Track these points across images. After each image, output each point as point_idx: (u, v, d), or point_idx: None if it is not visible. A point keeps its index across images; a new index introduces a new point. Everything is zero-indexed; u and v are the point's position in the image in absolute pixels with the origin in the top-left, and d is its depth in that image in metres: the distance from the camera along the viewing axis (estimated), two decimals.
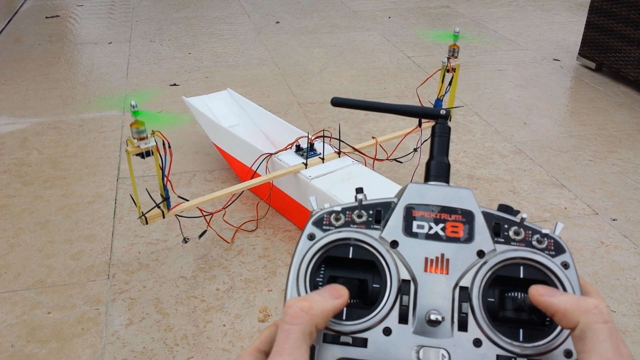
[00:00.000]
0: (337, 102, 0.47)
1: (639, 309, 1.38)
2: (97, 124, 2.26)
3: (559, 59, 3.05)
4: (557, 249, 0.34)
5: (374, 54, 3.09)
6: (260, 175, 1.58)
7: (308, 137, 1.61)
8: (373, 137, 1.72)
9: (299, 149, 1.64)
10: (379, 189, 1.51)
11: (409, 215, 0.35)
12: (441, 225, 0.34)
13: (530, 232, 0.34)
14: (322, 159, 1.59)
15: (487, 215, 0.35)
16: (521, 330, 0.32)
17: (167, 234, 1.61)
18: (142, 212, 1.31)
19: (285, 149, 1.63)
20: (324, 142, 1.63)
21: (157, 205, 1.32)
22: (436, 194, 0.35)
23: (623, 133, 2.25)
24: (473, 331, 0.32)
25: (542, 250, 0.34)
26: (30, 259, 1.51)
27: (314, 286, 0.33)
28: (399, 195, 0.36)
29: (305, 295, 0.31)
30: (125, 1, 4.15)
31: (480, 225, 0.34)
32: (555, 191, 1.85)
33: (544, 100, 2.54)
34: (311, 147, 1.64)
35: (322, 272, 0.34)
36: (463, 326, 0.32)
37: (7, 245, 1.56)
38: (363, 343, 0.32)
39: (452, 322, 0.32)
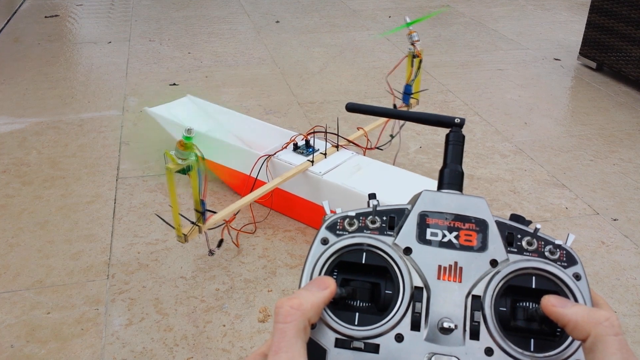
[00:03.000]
0: (352, 108, 0.47)
1: (639, 309, 1.38)
2: (96, 124, 2.25)
3: (560, 58, 3.04)
4: (569, 260, 0.34)
5: (374, 54, 3.08)
6: (261, 180, 1.57)
7: (314, 134, 1.63)
8: (359, 128, 1.75)
9: (296, 147, 1.65)
10: (389, 177, 1.57)
11: (423, 222, 0.35)
12: (455, 233, 0.34)
13: (542, 242, 0.34)
14: (325, 154, 1.60)
15: (500, 225, 0.35)
16: (532, 340, 0.32)
17: (166, 234, 1.61)
18: (183, 233, 1.27)
19: (282, 149, 1.63)
20: (326, 138, 1.65)
21: (195, 224, 1.29)
22: (450, 202, 0.35)
23: (624, 133, 2.25)
24: (485, 340, 0.32)
25: (554, 261, 0.34)
26: (30, 259, 1.51)
27: None
28: (413, 202, 0.36)
29: (294, 293, 0.31)
30: (124, 1, 4.14)
31: (494, 235, 0.34)
32: (555, 191, 1.85)
33: (544, 100, 2.54)
34: (307, 144, 1.65)
35: (334, 276, 0.34)
36: (475, 335, 0.32)
37: (6, 245, 1.56)
38: (375, 349, 0.32)
39: (464, 330, 0.32)
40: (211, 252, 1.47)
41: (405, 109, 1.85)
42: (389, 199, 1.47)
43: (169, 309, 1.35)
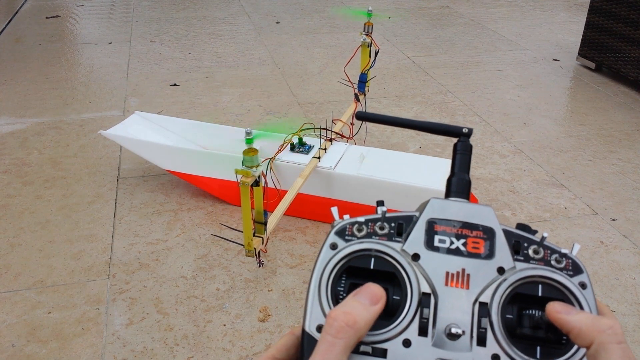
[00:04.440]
0: (362, 117, 0.48)
1: (639, 308, 1.38)
2: (97, 124, 2.26)
3: (559, 59, 3.05)
4: (575, 269, 0.34)
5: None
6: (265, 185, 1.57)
7: (321, 133, 1.66)
8: (335, 121, 1.80)
9: (293, 147, 1.66)
10: (395, 160, 1.62)
11: (431, 229, 0.35)
12: (462, 240, 0.35)
13: (549, 251, 0.35)
14: (325, 149, 1.62)
15: (507, 233, 0.35)
16: (538, 348, 0.33)
17: (167, 233, 1.62)
18: (254, 247, 1.26)
19: (280, 151, 1.64)
20: (323, 135, 1.68)
21: (259, 236, 1.28)
22: (458, 210, 0.36)
23: (623, 133, 2.25)
24: (491, 347, 0.32)
25: (560, 269, 0.34)
26: (31, 258, 1.52)
27: (335, 295, 0.34)
28: (421, 209, 0.36)
29: (348, 306, 0.31)
30: (125, 1, 4.15)
31: (501, 243, 0.34)
32: (554, 191, 1.85)
33: (543, 100, 2.54)
34: (301, 142, 1.67)
35: (343, 281, 0.34)
36: (482, 341, 0.32)
37: (7, 245, 1.57)
38: (383, 354, 0.32)
39: (471, 336, 0.32)
40: (261, 264, 1.46)
41: (361, 96, 1.91)
42: (407, 179, 1.53)
43: (169, 309, 1.35)
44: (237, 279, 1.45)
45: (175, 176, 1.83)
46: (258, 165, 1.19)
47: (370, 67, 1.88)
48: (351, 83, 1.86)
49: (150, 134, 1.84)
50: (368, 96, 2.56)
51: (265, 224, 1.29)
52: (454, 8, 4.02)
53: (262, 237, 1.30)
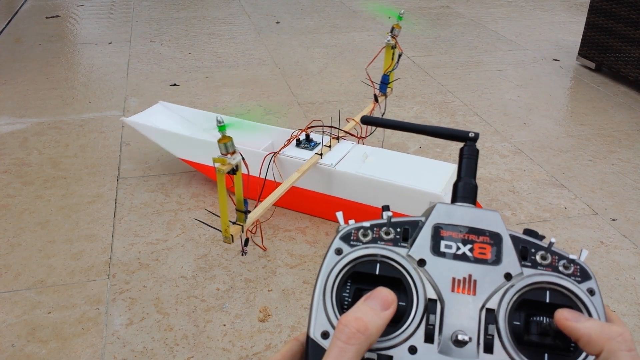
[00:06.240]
0: (367, 121, 0.47)
1: (639, 308, 1.38)
2: (97, 124, 2.26)
3: (559, 59, 3.05)
4: (583, 275, 0.34)
5: (374, 54, 3.08)
6: (267, 179, 1.57)
7: (327, 131, 1.67)
8: (348, 120, 1.80)
9: (299, 143, 1.67)
10: (397, 162, 1.62)
11: (437, 234, 0.35)
12: (469, 246, 0.34)
13: (557, 257, 0.34)
14: (329, 146, 1.63)
15: (514, 239, 0.35)
16: (546, 355, 0.32)
17: (167, 233, 1.62)
18: (231, 234, 1.26)
19: (285, 145, 1.65)
20: (329, 130, 1.69)
21: (238, 224, 1.29)
22: (464, 215, 0.35)
23: (623, 133, 2.25)
24: (499, 354, 0.32)
25: (568, 275, 0.34)
26: (31, 258, 1.52)
27: (340, 301, 0.33)
28: (427, 214, 0.36)
29: (359, 311, 0.31)
30: (125, 1, 4.15)
31: (508, 248, 0.34)
32: (555, 191, 1.85)
33: (543, 100, 2.54)
34: (307, 138, 1.67)
35: (348, 287, 0.34)
36: (489, 348, 0.32)
37: (7, 245, 1.57)
38: None
39: (478, 343, 0.32)
40: (244, 252, 1.46)
41: (382, 97, 1.90)
42: (406, 181, 1.53)
43: (169, 309, 1.35)
44: (237, 279, 1.45)
45: (189, 167, 1.86)
46: (234, 152, 1.18)
47: (393, 69, 1.88)
48: (372, 83, 1.86)
49: (170, 123, 1.87)
50: (367, 96, 2.56)
51: (245, 212, 1.29)
52: (454, 8, 4.02)
53: (242, 225, 1.30)
